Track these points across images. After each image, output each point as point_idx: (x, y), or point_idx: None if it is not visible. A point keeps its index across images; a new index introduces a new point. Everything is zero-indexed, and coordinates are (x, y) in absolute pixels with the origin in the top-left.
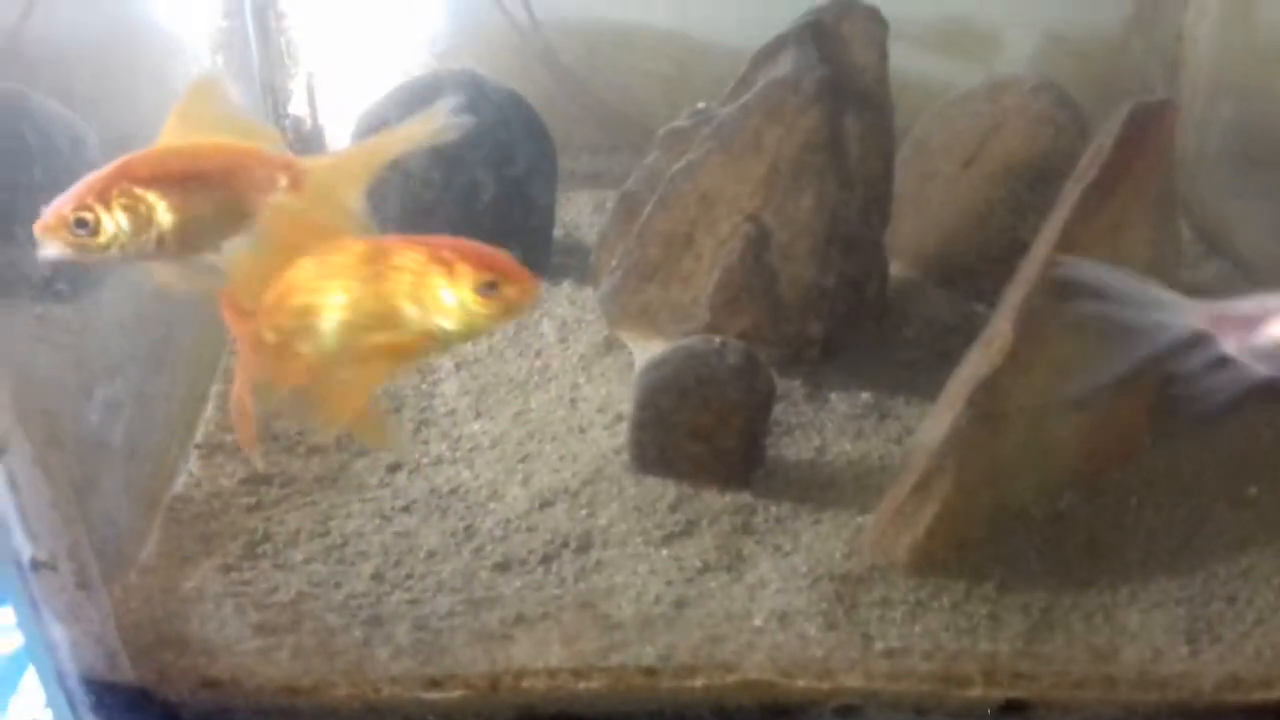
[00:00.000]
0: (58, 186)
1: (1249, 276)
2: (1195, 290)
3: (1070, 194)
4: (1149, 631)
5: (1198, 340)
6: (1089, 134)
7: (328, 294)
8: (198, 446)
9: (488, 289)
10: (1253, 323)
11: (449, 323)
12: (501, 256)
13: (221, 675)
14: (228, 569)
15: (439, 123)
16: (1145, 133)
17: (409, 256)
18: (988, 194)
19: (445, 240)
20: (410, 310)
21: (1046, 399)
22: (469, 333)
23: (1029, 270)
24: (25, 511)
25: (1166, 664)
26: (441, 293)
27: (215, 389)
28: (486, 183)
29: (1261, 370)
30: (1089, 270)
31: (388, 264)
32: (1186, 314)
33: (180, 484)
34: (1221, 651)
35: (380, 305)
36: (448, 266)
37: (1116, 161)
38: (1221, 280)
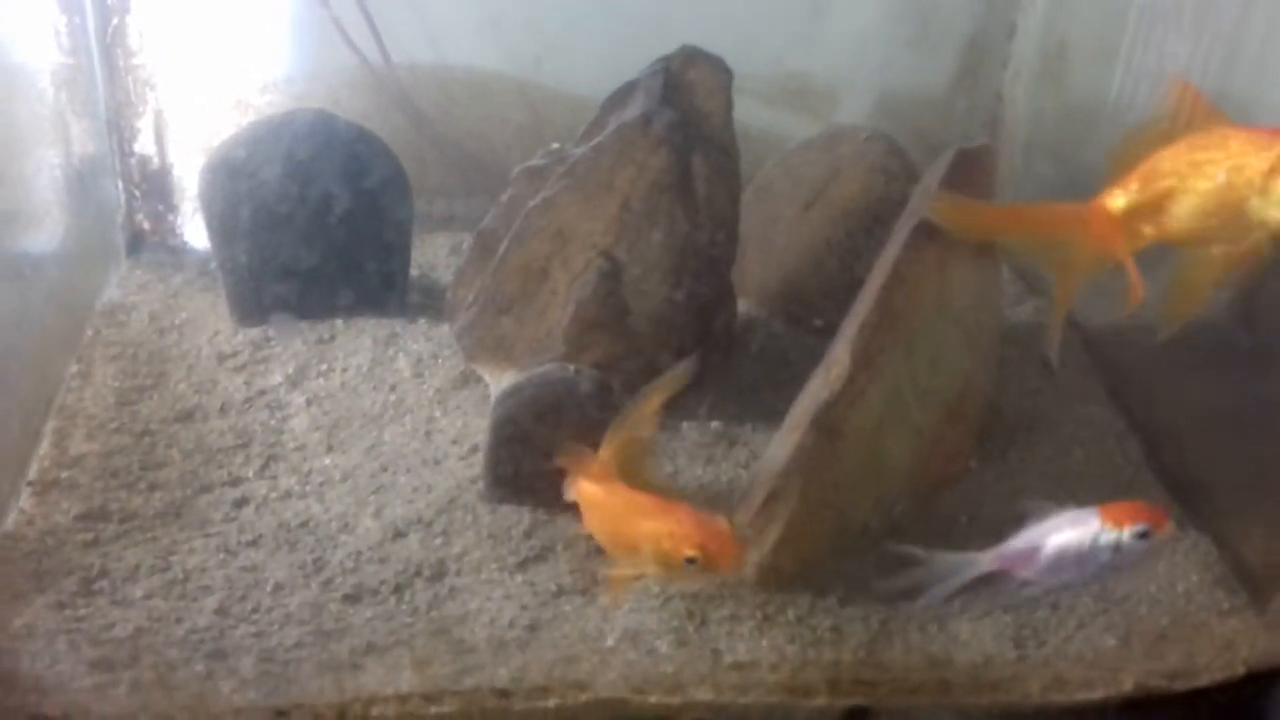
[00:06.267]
0: None
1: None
2: (1015, 328)
3: (900, 231)
4: (979, 639)
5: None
6: (918, 181)
7: None
8: (30, 484)
9: None
10: (1029, 555)
11: None
12: None
13: (53, 712)
14: (61, 606)
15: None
16: (967, 174)
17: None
18: (827, 235)
19: None
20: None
21: (881, 421)
22: None
23: (864, 302)
24: None
25: (996, 669)
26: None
27: (51, 425)
28: (340, 195)
29: (1050, 582)
30: (912, 552)
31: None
32: (980, 564)
33: (11, 521)
34: (1046, 655)
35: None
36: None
37: None
38: (1038, 314)
